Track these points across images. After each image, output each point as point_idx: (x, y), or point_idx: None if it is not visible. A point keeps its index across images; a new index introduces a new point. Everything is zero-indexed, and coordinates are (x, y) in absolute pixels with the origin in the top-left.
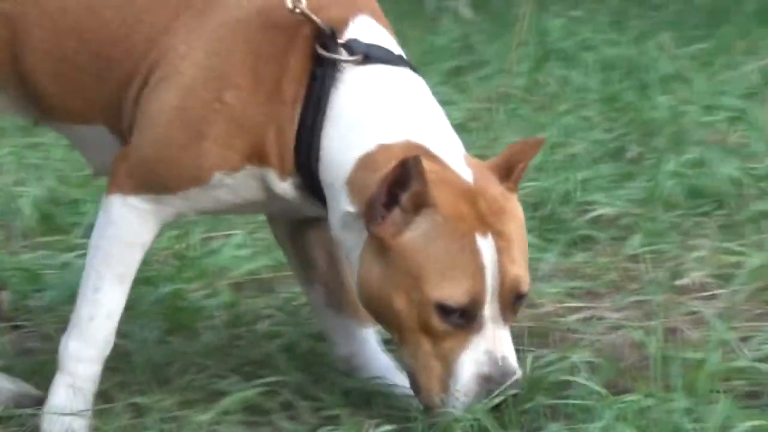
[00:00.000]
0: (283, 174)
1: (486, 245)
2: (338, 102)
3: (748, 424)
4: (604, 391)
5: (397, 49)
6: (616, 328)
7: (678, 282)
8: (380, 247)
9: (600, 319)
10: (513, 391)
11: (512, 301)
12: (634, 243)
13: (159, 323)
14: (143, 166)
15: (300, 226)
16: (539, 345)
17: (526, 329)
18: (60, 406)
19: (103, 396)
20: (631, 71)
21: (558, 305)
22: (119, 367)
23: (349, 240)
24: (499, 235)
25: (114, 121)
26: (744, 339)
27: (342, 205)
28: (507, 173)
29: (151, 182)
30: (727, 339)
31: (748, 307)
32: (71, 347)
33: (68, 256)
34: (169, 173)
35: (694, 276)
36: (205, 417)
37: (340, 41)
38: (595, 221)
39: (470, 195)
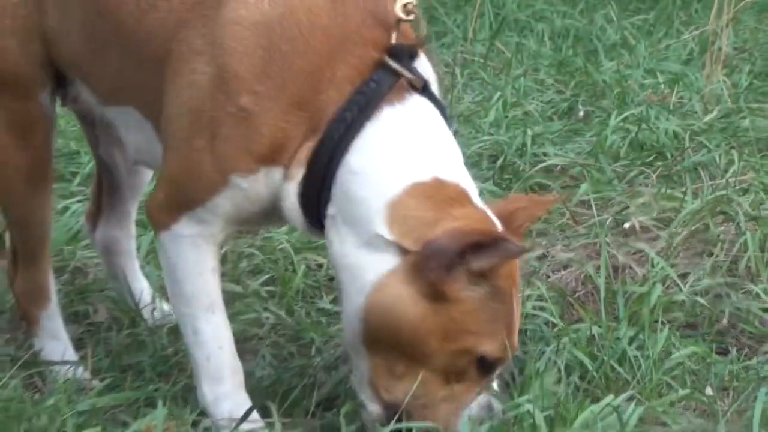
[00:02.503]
0: (289, 178)
1: (515, 303)
2: (388, 116)
3: (686, 351)
4: (558, 321)
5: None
6: (568, 265)
7: (623, 225)
8: (429, 291)
9: (553, 257)
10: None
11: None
12: (583, 190)
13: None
14: (172, 185)
15: None
16: None
17: None
18: None
19: None
20: (580, 39)
21: None
22: None
23: (366, 262)
24: (516, 288)
25: (145, 105)
26: (682, 275)
27: (372, 225)
28: (509, 224)
29: (182, 200)
30: (668, 275)
31: (686, 247)
32: (207, 394)
33: (67, 202)
34: (194, 183)
35: (638, 220)
36: None
37: (412, 63)
38: (547, 171)
39: None
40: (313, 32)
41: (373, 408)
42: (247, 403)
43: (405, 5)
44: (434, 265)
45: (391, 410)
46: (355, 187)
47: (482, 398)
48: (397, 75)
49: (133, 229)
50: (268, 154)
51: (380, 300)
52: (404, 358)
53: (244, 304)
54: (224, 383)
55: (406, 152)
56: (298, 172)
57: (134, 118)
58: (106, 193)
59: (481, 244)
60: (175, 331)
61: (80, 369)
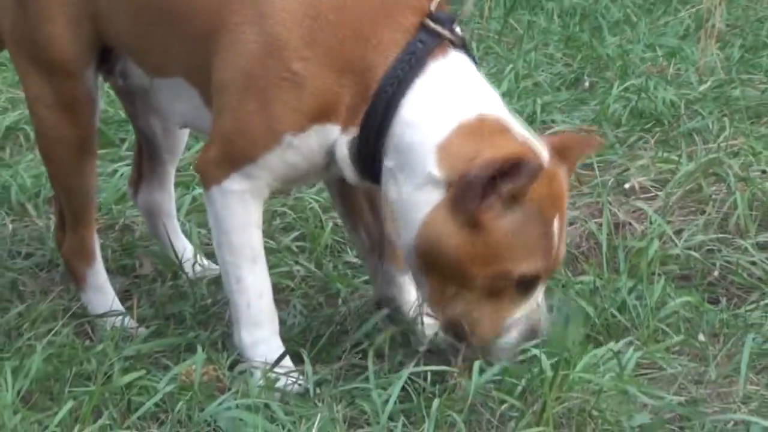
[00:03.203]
0: (345, 131)
1: (556, 227)
2: (435, 69)
3: (680, 300)
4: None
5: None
6: (573, 222)
7: (623, 185)
8: (467, 219)
9: None
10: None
11: (555, 269)
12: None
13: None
14: (224, 143)
15: None
16: None
17: None
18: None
19: None
20: (586, 17)
21: None
22: None
23: (418, 200)
24: (561, 217)
25: (193, 75)
26: (678, 232)
27: (425, 167)
28: (562, 155)
29: (234, 157)
30: (664, 231)
31: (681, 205)
32: (245, 338)
33: (117, 165)
34: (246, 141)
35: (637, 180)
36: None
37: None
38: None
39: (548, 178)
40: (358, 2)
41: (435, 323)
42: (281, 349)
43: None
44: (468, 196)
45: (449, 325)
46: (410, 137)
47: (533, 314)
48: (439, 36)
49: (172, 191)
50: (319, 114)
51: (428, 233)
52: (453, 282)
53: (277, 258)
54: (262, 329)
55: (452, 98)
56: (352, 130)
57: (183, 88)
58: (147, 159)
59: (508, 169)
60: (215, 283)
61: (127, 318)
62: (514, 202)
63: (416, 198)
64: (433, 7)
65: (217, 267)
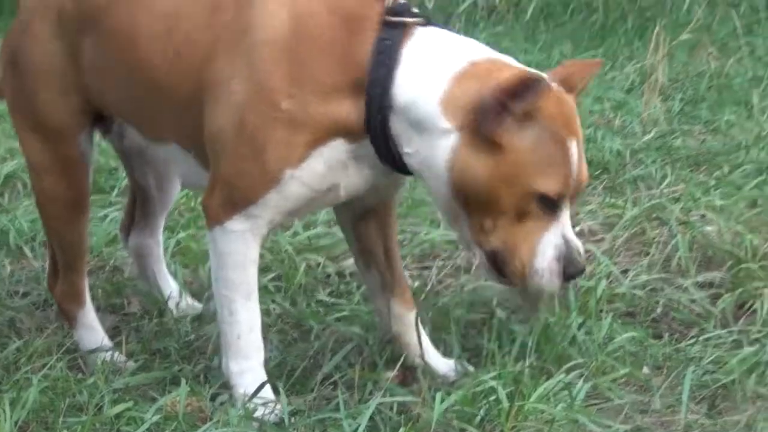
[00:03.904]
0: (353, 138)
1: (573, 148)
2: (411, 49)
3: (626, 335)
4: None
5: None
6: None
7: (574, 229)
8: (487, 146)
9: None
10: (581, 268)
11: (579, 192)
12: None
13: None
14: (224, 186)
15: (363, 217)
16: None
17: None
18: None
19: None
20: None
21: None
22: None
23: (438, 152)
24: (577, 138)
25: (186, 139)
26: (624, 272)
27: (436, 125)
28: (567, 84)
29: (235, 199)
30: (611, 271)
31: (627, 247)
32: (232, 367)
33: (107, 210)
34: (246, 184)
35: (587, 224)
36: None
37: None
38: None
39: (559, 102)
40: (322, 31)
41: (479, 257)
42: (264, 379)
43: None
44: (483, 121)
45: (491, 257)
46: (414, 114)
47: (566, 236)
48: (402, 24)
49: (161, 237)
50: (314, 140)
51: (457, 173)
52: (488, 212)
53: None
54: (249, 360)
55: (437, 61)
56: (360, 136)
57: (178, 152)
58: (140, 207)
59: (516, 88)
60: (198, 319)
61: (116, 353)
62: (528, 119)
63: (436, 150)
64: (389, 2)
65: (200, 306)
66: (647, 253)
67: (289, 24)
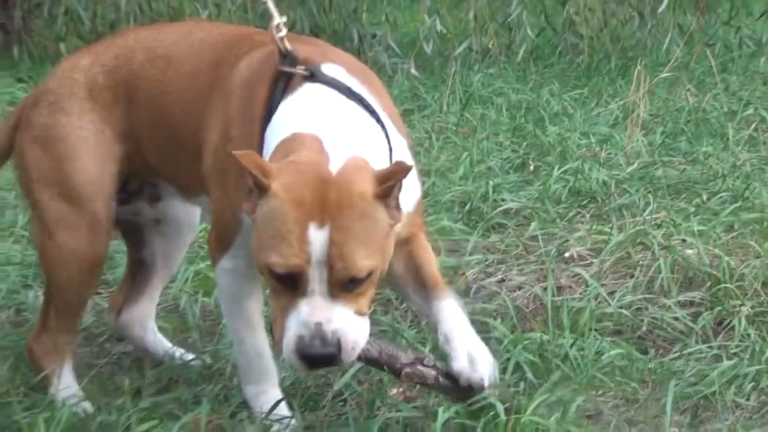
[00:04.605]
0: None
1: (318, 234)
2: (284, 105)
3: (614, 352)
4: (509, 333)
5: (353, 86)
6: (522, 287)
7: (564, 254)
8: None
9: (510, 280)
10: (325, 351)
11: (345, 282)
12: (532, 227)
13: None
14: (214, 230)
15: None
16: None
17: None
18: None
19: None
20: (530, 110)
21: (479, 272)
22: None
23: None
24: (337, 228)
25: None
26: (611, 293)
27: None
28: (383, 183)
29: (221, 242)
30: (599, 293)
31: (613, 270)
32: (249, 391)
33: None
34: (225, 227)
35: (576, 250)
36: None
37: (300, 65)
38: (505, 213)
39: (322, 186)
40: (239, 87)
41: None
42: (280, 398)
43: (276, 26)
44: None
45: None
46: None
47: (309, 316)
48: (290, 74)
49: (154, 311)
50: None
51: None
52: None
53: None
54: (260, 384)
55: (283, 123)
56: None
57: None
58: (138, 285)
59: (258, 169)
60: (217, 343)
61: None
62: (261, 196)
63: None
64: (286, 46)
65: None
66: (632, 276)
67: (245, 77)
